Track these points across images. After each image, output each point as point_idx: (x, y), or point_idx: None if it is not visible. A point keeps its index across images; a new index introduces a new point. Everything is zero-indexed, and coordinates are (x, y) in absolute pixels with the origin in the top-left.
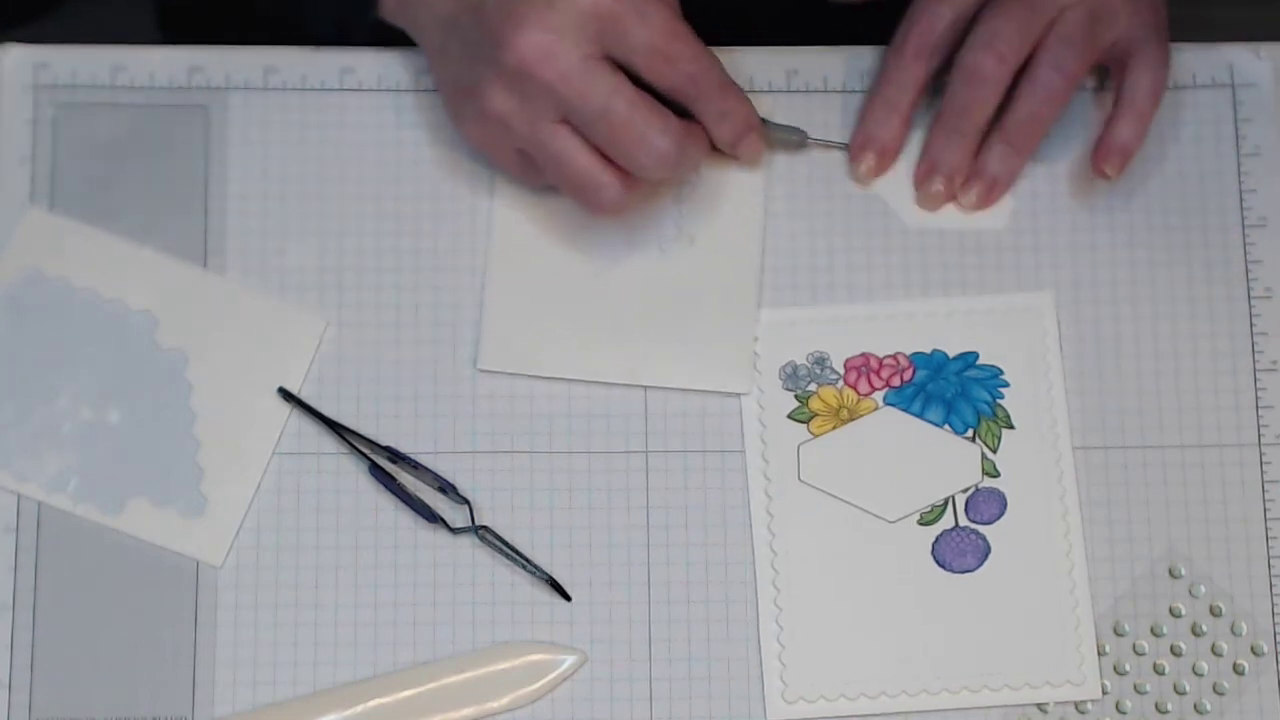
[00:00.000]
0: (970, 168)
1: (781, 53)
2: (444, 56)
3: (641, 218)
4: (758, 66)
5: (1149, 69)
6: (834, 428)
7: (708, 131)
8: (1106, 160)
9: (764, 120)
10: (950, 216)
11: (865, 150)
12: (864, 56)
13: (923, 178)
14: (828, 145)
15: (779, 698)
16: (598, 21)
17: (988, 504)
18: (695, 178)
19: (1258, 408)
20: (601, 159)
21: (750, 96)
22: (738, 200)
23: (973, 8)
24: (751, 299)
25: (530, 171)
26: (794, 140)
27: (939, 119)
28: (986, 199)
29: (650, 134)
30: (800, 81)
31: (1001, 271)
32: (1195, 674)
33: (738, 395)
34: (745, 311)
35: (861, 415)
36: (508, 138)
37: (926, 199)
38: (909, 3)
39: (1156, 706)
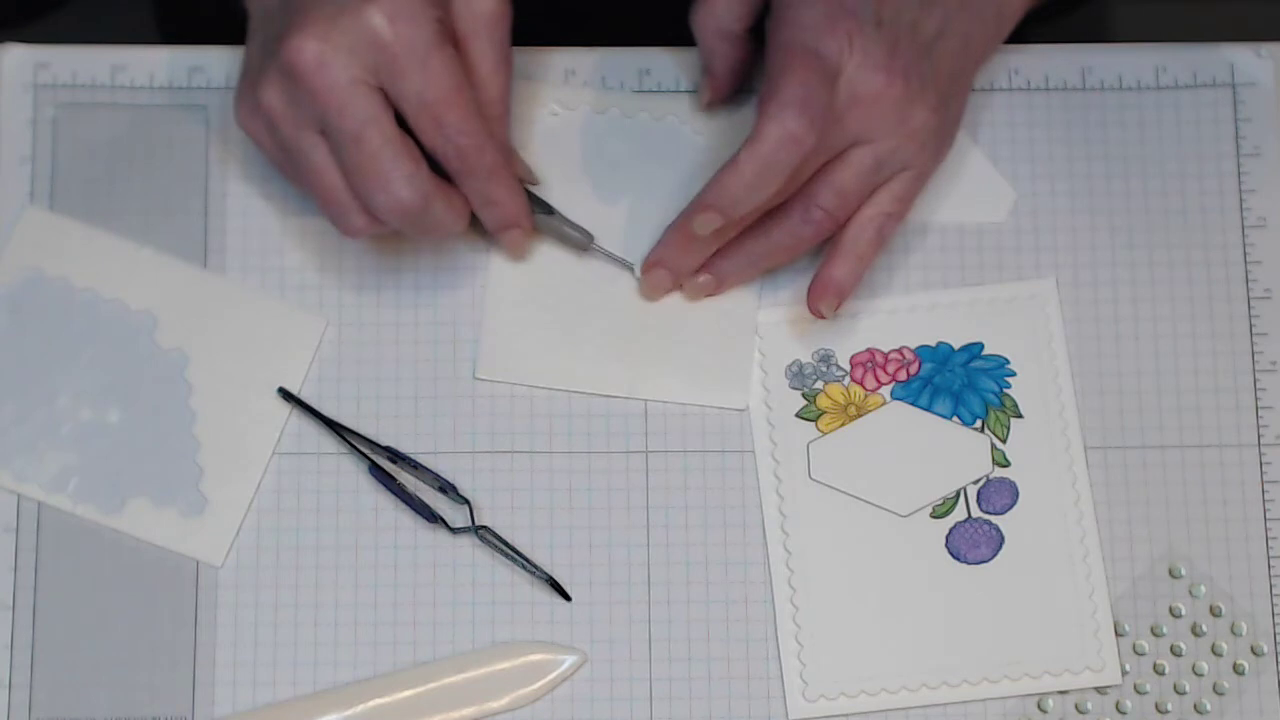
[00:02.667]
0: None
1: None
2: (250, 42)
3: (642, 227)
4: (758, 66)
5: (876, 217)
6: (843, 424)
7: (474, 209)
8: (821, 299)
9: (550, 213)
10: (951, 211)
11: (659, 267)
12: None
13: (652, 265)
14: (610, 257)
15: (799, 696)
16: (375, 52)
17: (999, 494)
18: (697, 187)
19: (1258, 408)
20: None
21: (751, 97)
22: None
23: None
24: (751, 314)
25: (292, 175)
26: (577, 241)
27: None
28: (715, 289)
29: (395, 177)
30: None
31: (1002, 270)
32: (1195, 674)
33: (736, 411)
34: (744, 326)
35: (869, 411)
36: (273, 135)
37: (650, 288)
38: None
39: (1157, 706)
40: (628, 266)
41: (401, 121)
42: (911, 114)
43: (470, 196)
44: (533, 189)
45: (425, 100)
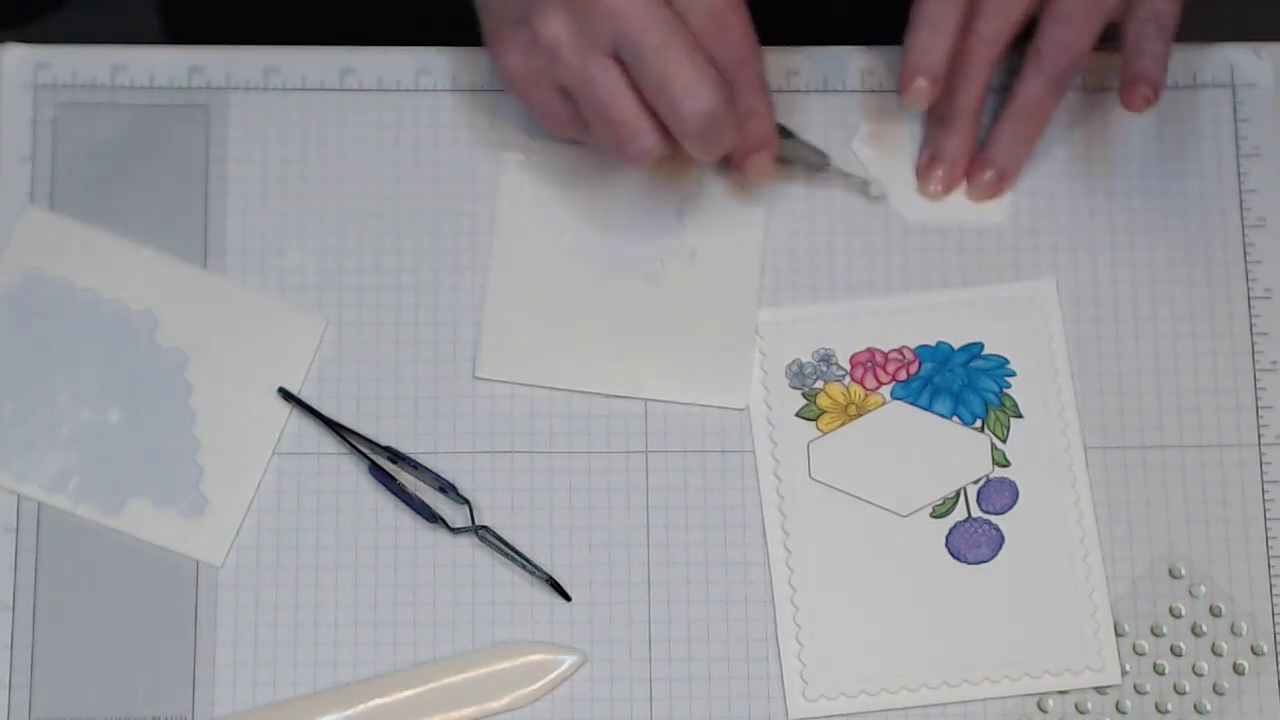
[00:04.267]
0: (982, 154)
1: (781, 53)
2: None
3: (643, 227)
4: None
5: (1153, 12)
6: (843, 424)
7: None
8: (1135, 89)
9: (789, 134)
10: (951, 211)
11: (915, 76)
12: (864, 56)
13: (930, 163)
14: (849, 175)
15: (800, 696)
16: None
17: (999, 494)
18: (698, 188)
19: (1258, 408)
20: (645, 107)
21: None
22: (739, 214)
23: None
24: (751, 313)
25: (565, 115)
26: (815, 162)
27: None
28: (999, 186)
29: (701, 86)
30: (800, 81)
31: (1002, 269)
32: (1195, 674)
33: (736, 410)
34: (744, 326)
35: (869, 411)
36: (553, 70)
37: (932, 192)
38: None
39: (1157, 706)
40: (865, 185)
41: None
42: None
43: (739, 110)
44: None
45: (714, 8)
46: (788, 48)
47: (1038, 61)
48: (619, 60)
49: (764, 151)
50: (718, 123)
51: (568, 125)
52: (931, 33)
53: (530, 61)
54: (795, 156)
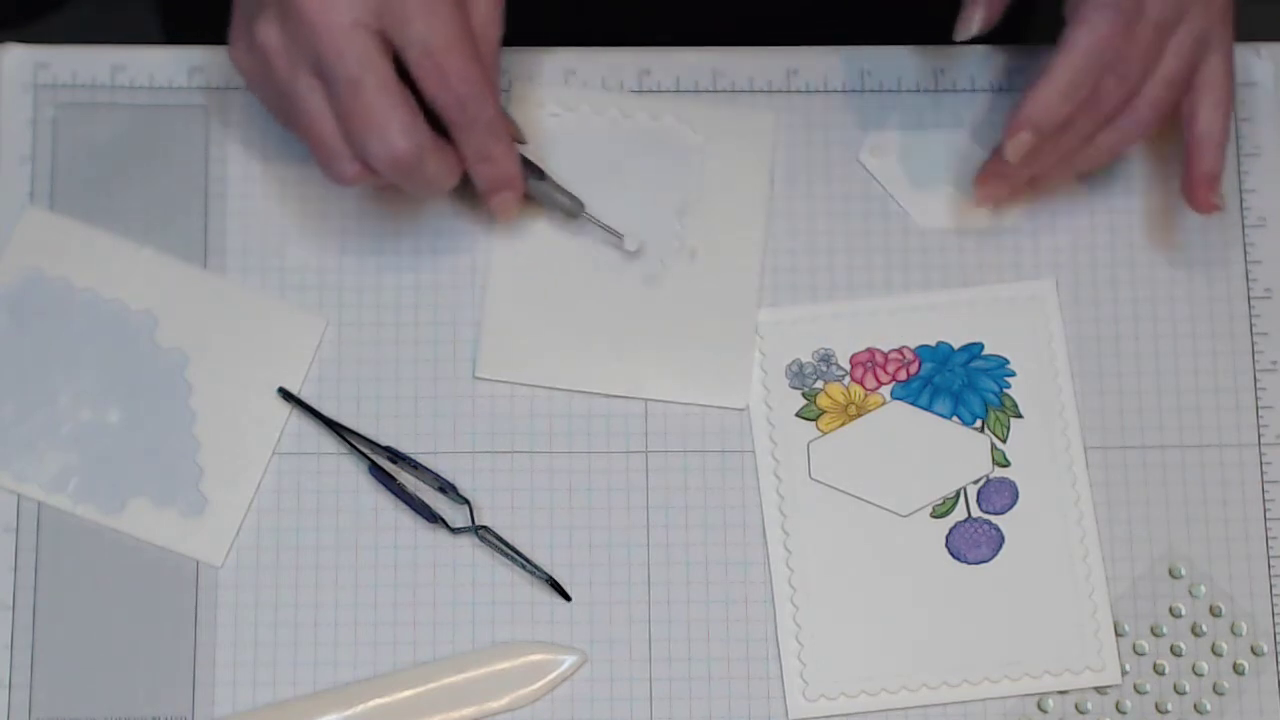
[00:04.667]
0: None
1: (782, 53)
2: None
3: (643, 228)
4: (758, 66)
5: (1217, 101)
6: (843, 424)
7: (467, 166)
8: (1203, 192)
9: (541, 175)
10: (951, 211)
11: (1022, 130)
12: (864, 56)
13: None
14: (600, 225)
15: (800, 696)
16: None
17: (999, 494)
18: (698, 188)
19: (1258, 408)
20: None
21: (750, 97)
22: (739, 215)
23: None
24: (751, 313)
25: (284, 118)
26: (568, 208)
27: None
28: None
29: (390, 127)
30: (800, 81)
31: (1002, 269)
32: (1195, 674)
33: (736, 410)
34: (744, 326)
35: (869, 411)
36: (270, 77)
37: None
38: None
39: (1157, 706)
40: (618, 236)
41: (400, 73)
42: None
43: (466, 152)
44: (525, 153)
45: (429, 47)
46: (788, 48)
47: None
48: (324, 81)
49: (505, 192)
50: (408, 167)
51: (289, 129)
52: (1062, 101)
53: (251, 61)
54: (548, 200)
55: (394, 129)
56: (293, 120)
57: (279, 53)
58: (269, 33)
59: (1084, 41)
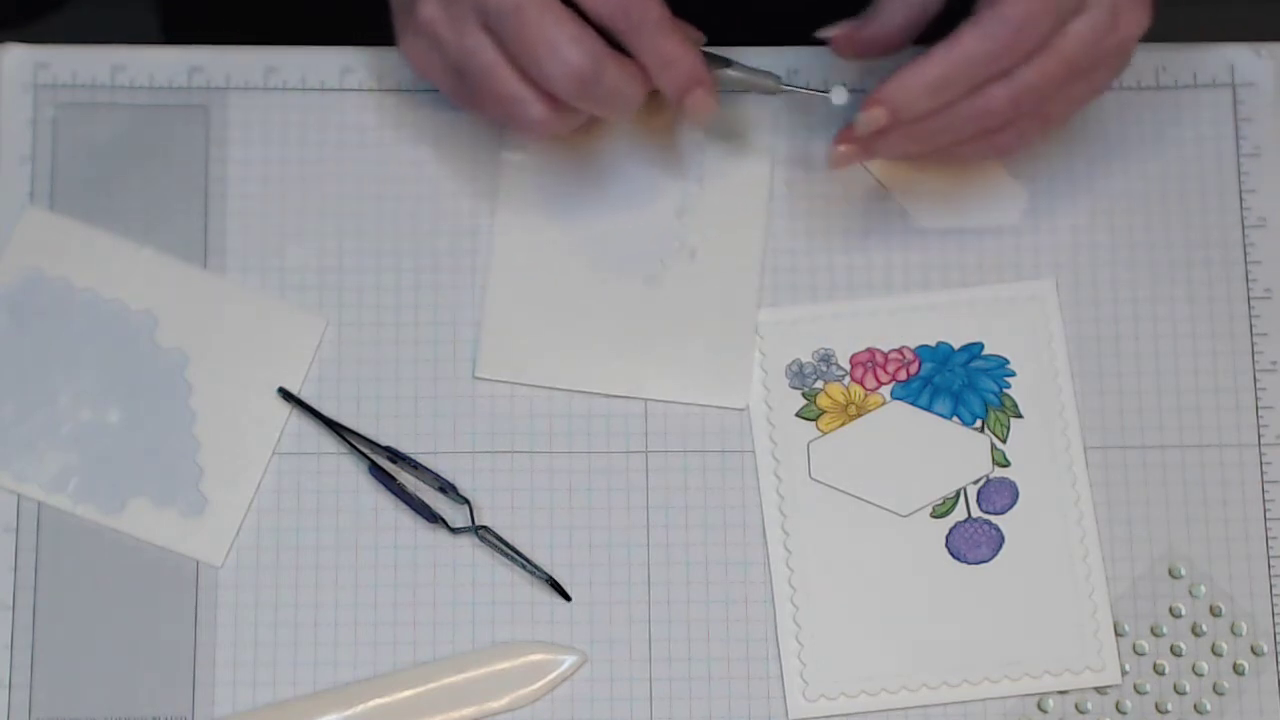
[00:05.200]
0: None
1: (782, 53)
2: None
3: (643, 227)
4: (758, 66)
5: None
6: (843, 424)
7: (651, 77)
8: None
9: (728, 63)
10: (952, 211)
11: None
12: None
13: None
14: (805, 89)
15: (800, 696)
16: None
17: (999, 494)
18: (698, 188)
19: (1258, 408)
20: (527, 75)
21: (750, 97)
22: (739, 214)
23: None
24: (751, 314)
25: (465, 96)
26: (766, 86)
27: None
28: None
29: (560, 42)
30: (800, 81)
31: (1002, 269)
32: (1195, 674)
33: (736, 410)
34: (744, 326)
35: (869, 411)
36: (440, 53)
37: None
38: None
39: (1157, 706)
40: (824, 93)
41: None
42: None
43: (644, 60)
44: (703, 47)
45: None
46: (788, 48)
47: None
48: (491, 31)
49: (697, 90)
50: (592, 79)
51: (471, 105)
52: (928, 95)
53: (419, 46)
54: (745, 84)
55: (564, 43)
56: (474, 86)
57: (443, 22)
58: (429, 8)
59: (970, 44)
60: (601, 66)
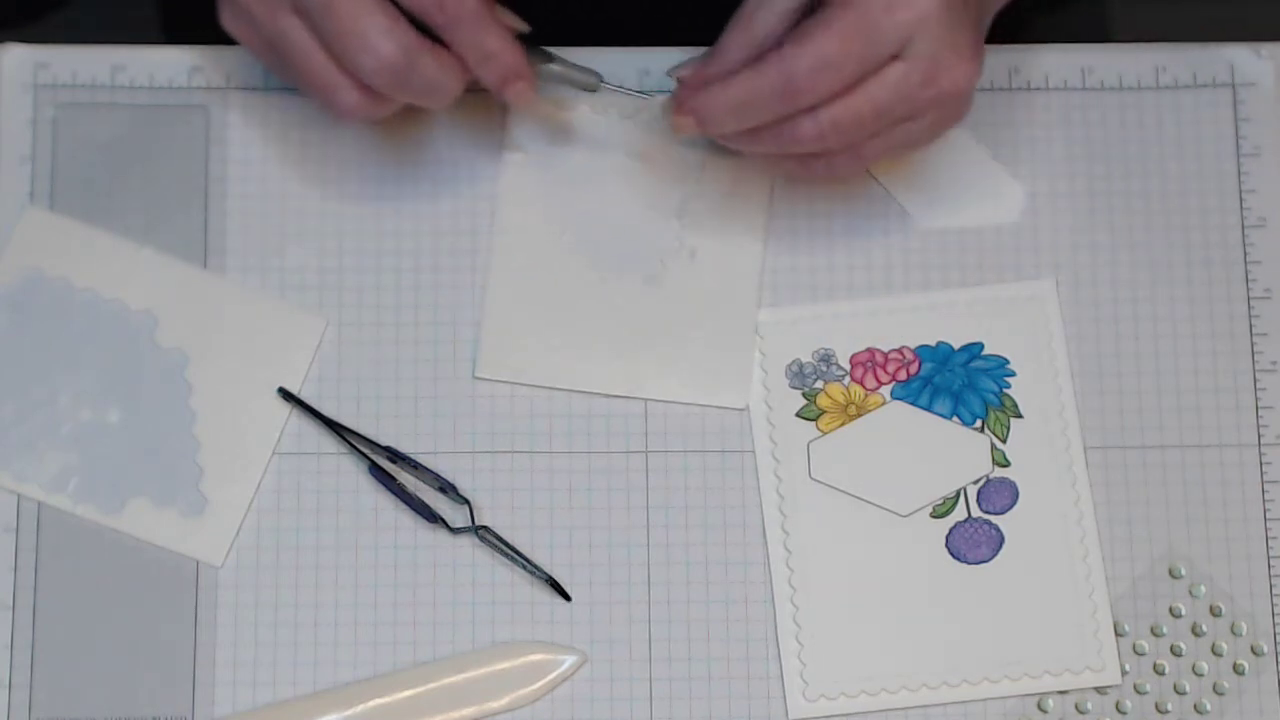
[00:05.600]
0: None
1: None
2: None
3: (643, 227)
4: (581, 64)
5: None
6: (843, 424)
7: (469, 69)
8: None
9: (552, 58)
10: (952, 211)
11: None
12: None
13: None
14: (623, 91)
15: (800, 696)
16: None
17: (999, 494)
18: (698, 188)
19: (1258, 408)
20: (339, 61)
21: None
22: (739, 214)
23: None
24: (751, 313)
25: (282, 72)
26: (587, 84)
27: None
28: (693, 128)
29: (371, 34)
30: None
31: (1002, 269)
32: (1195, 674)
33: (736, 410)
34: (744, 326)
35: (869, 411)
36: (257, 30)
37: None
38: None
39: (1156, 706)
40: (641, 98)
41: None
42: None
43: (462, 53)
44: (528, 38)
45: None
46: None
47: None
48: (303, 14)
49: (516, 83)
50: (405, 71)
51: (289, 82)
52: (730, 116)
53: (236, 19)
54: (564, 80)
55: (375, 34)
56: (288, 65)
57: (255, 3)
58: None
59: (770, 73)
60: (414, 58)
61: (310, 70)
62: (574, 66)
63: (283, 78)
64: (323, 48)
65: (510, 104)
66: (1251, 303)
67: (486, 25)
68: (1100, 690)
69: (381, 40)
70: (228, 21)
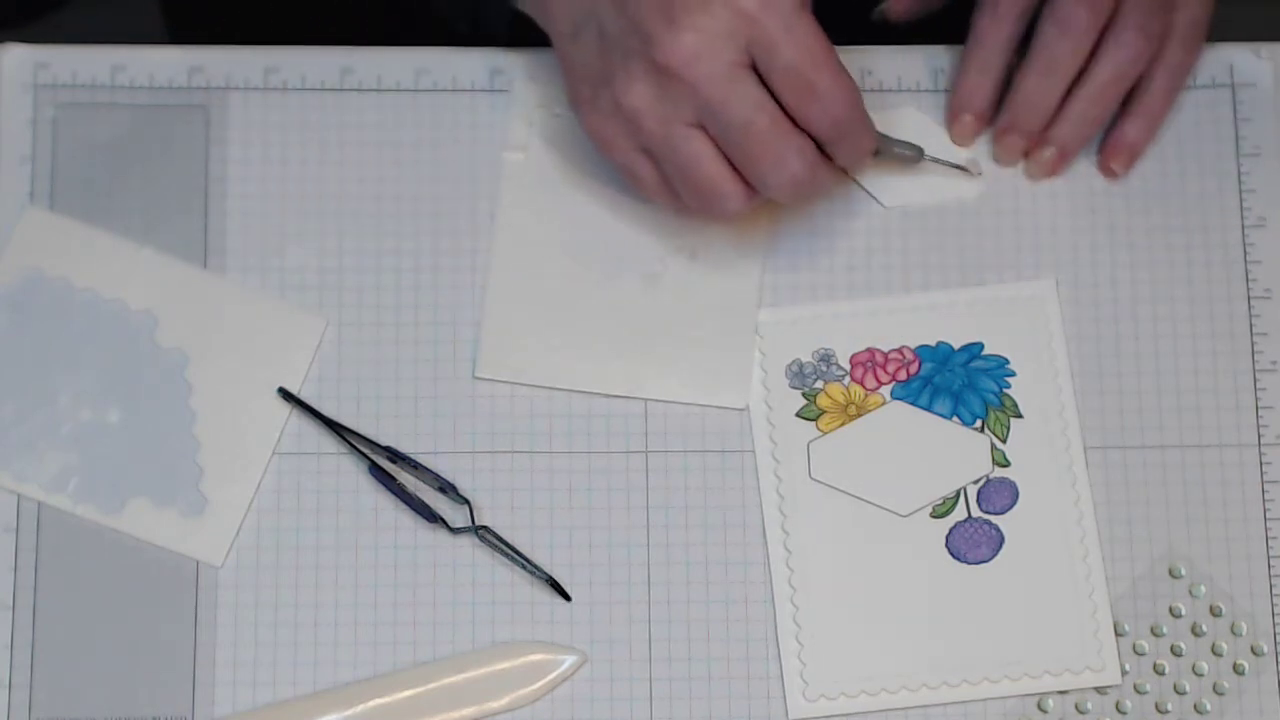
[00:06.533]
0: (1047, 132)
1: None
2: (576, 43)
3: (643, 227)
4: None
5: (1167, 69)
6: (843, 424)
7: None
8: (1114, 158)
9: (882, 136)
10: (950, 212)
11: (962, 113)
12: (865, 56)
13: (1005, 130)
14: (943, 164)
15: (800, 696)
16: (746, 29)
17: (999, 494)
18: None
19: (1258, 408)
20: (730, 168)
21: None
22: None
23: None
24: (751, 313)
25: (649, 178)
26: (909, 158)
27: (1028, 67)
28: (1058, 165)
29: (788, 156)
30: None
31: (1002, 269)
32: (1195, 674)
33: (736, 410)
34: (744, 326)
35: (869, 410)
36: (634, 135)
37: (1005, 152)
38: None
39: (1157, 706)
40: (963, 168)
41: None
42: None
43: (840, 160)
44: None
45: (798, 69)
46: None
47: (1118, 43)
48: (702, 127)
49: (866, 159)
50: (806, 188)
51: (652, 189)
52: (980, 74)
53: (612, 125)
54: (889, 153)
55: (792, 157)
56: (670, 170)
57: (649, 112)
58: (637, 95)
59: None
60: (816, 173)
61: (702, 178)
62: (897, 141)
63: (646, 184)
64: (719, 157)
65: (849, 170)
66: (1251, 303)
67: (864, 126)
68: (1100, 690)
69: (797, 162)
70: (597, 125)
